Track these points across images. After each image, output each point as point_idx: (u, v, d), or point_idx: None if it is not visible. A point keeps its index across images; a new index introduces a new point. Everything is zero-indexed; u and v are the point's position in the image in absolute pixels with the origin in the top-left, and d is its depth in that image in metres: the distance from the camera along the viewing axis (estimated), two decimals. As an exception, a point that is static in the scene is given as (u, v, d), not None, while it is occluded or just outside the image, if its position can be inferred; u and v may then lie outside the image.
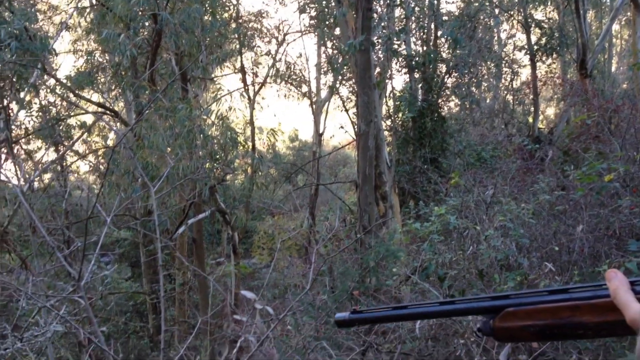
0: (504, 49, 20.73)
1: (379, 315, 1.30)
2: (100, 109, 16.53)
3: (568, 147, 11.32)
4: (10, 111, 14.81)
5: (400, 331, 5.49)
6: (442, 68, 16.54)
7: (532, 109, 19.04)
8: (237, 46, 18.17)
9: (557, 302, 1.04)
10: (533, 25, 17.86)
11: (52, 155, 17.49)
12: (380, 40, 13.69)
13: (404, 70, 16.60)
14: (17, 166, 12.79)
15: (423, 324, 5.30)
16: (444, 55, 16.88)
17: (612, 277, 0.97)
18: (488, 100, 21.15)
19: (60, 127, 16.68)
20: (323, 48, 20.91)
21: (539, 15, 19.49)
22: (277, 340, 4.66)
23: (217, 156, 12.35)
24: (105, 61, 16.51)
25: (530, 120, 19.07)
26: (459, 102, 18.32)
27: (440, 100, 16.12)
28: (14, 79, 14.09)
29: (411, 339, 5.58)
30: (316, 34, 20.01)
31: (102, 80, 17.07)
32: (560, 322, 1.03)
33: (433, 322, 5.35)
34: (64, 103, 17.16)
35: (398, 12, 16.07)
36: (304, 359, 3.24)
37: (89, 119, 18.37)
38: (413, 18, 16.39)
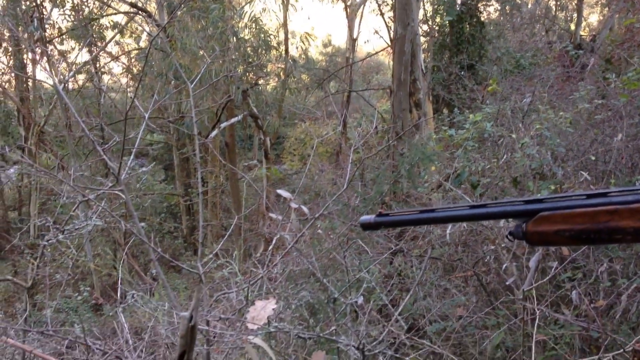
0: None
1: (405, 219, 1.27)
2: (132, 9, 16.34)
3: (611, 54, 10.92)
4: (43, 9, 14.75)
5: (430, 236, 5.54)
6: (484, -30, 15.83)
7: (575, 15, 18.29)
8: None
9: (595, 206, 1.01)
10: None
11: (85, 56, 17.51)
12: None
13: (444, -29, 15.94)
14: (51, 65, 12.85)
15: (454, 229, 5.32)
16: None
17: None
18: (529, 5, 20.29)
19: (93, 27, 16.59)
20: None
21: None
22: (311, 241, 4.75)
23: (250, 59, 12.23)
24: (137, -41, 16.17)
25: (573, 27, 18.38)
26: (499, 7, 17.65)
27: (479, 5, 15.52)
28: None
29: (441, 245, 5.64)
30: None
31: (134, -21, 16.75)
32: (598, 227, 1.00)
33: (464, 228, 5.37)
34: (97, 2, 16.99)
35: None
36: (340, 256, 3.30)
37: (121, 19, 18.21)
38: None
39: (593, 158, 5.66)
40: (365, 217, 1.27)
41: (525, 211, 1.08)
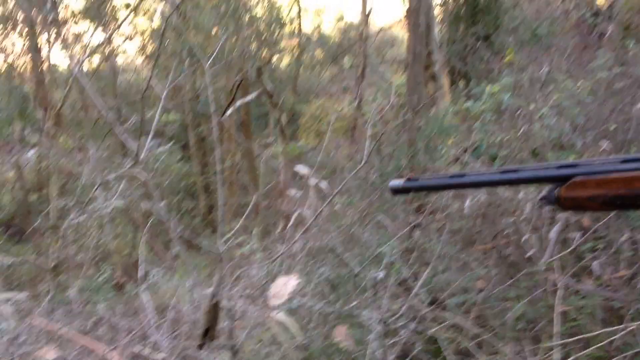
0: None
1: (435, 184, 1.25)
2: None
3: (629, 21, 10.72)
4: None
5: (449, 210, 5.52)
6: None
7: (593, -18, 17.95)
8: None
9: (632, 171, 0.97)
10: None
11: (99, 37, 17.54)
12: None
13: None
14: (66, 47, 12.88)
15: (472, 202, 5.30)
16: None
17: None
18: (545, -26, 19.95)
19: (106, 8, 16.57)
20: None
21: None
22: (329, 217, 4.76)
23: (263, 36, 12.17)
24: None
25: (590, -6, 18.04)
26: (515, -24, 17.34)
27: (494, -26, 15.27)
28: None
29: (459, 218, 5.62)
30: None
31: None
32: (634, 193, 0.97)
33: (483, 201, 5.34)
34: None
35: None
36: (360, 230, 3.31)
37: (133, -1, 18.14)
38: None
39: (612, 127, 5.58)
40: (395, 182, 1.22)
41: (559, 176, 1.05)
